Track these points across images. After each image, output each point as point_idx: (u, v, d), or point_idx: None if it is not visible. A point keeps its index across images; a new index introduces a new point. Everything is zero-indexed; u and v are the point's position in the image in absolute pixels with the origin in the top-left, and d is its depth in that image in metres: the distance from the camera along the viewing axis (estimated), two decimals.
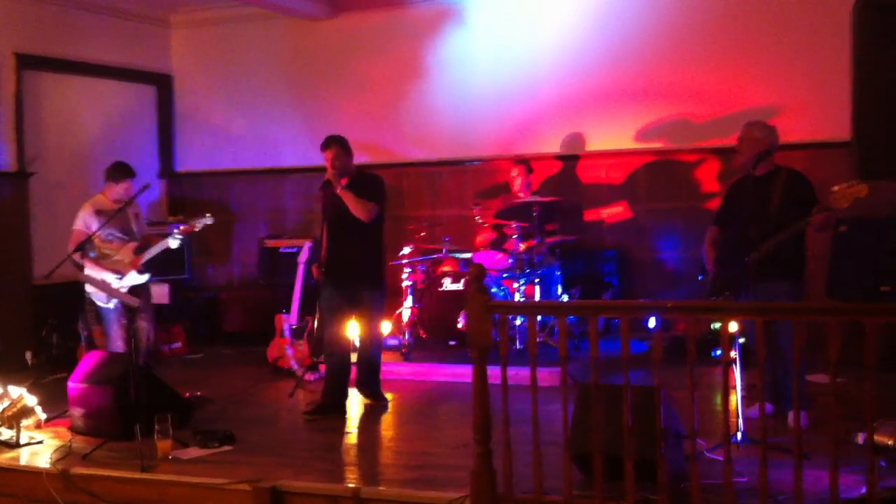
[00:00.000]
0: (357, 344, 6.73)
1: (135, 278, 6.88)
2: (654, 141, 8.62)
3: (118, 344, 6.88)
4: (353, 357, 6.69)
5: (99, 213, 6.90)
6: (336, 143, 6.46)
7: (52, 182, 8.65)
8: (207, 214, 7.15)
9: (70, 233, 6.87)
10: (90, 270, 6.70)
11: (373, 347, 6.59)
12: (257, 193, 10.16)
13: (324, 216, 6.58)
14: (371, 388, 6.66)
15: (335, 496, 4.65)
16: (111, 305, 6.83)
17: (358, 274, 6.42)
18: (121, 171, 6.99)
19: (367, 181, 6.51)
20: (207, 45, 10.27)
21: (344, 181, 6.35)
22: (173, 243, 6.90)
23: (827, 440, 3.69)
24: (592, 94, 8.72)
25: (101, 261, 6.73)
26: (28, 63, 8.63)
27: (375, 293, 6.49)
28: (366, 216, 6.31)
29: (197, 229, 7.09)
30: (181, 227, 6.98)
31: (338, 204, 6.35)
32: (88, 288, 6.91)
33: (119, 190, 6.98)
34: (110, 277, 6.68)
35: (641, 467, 4.01)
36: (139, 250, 6.95)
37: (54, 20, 8.95)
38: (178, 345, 8.82)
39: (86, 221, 6.88)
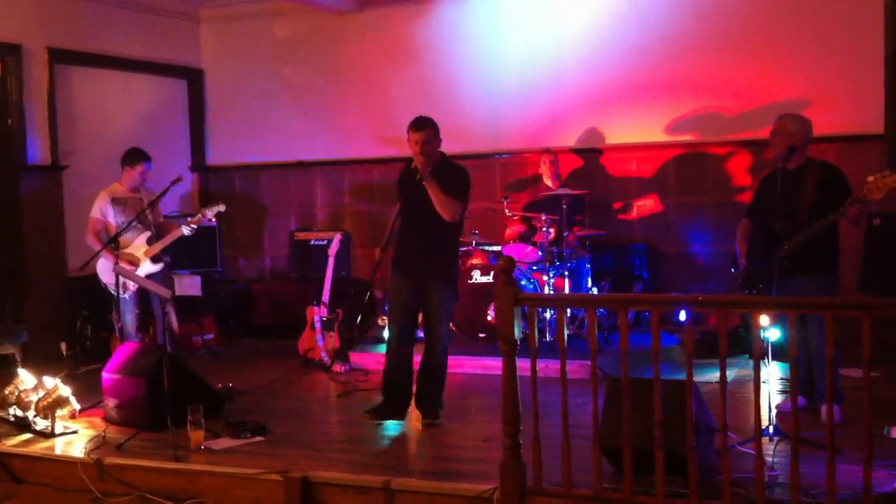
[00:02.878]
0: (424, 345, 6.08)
1: (149, 268, 6.98)
2: (685, 134, 8.56)
3: (133, 334, 6.98)
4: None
5: (115, 201, 7.03)
6: (430, 126, 5.82)
7: (85, 175, 8.73)
8: (220, 202, 7.23)
9: (86, 221, 7.01)
10: (108, 261, 6.80)
11: (437, 351, 5.93)
12: (287, 186, 10.21)
13: (400, 200, 6.04)
14: (429, 404, 5.92)
15: (365, 487, 4.67)
16: (126, 295, 6.92)
17: (428, 266, 5.85)
18: (136, 155, 7.11)
19: (452, 173, 5.87)
20: (237, 40, 10.33)
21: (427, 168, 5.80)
22: (186, 231, 7.00)
23: (859, 435, 3.67)
24: (621, 87, 8.67)
25: (117, 252, 6.82)
26: (60, 57, 8.72)
27: (445, 290, 5.87)
28: (449, 215, 5.73)
29: (209, 217, 7.16)
30: (195, 217, 7.08)
31: (417, 191, 5.77)
32: (102, 278, 7.01)
33: (135, 175, 7.08)
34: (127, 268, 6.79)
35: (671, 461, 4.00)
36: (152, 240, 7.05)
37: (86, 15, 9.03)
38: (211, 336, 8.87)
39: (101, 209, 7.02)
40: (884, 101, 7.60)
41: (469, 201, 5.96)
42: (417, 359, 6.04)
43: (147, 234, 7.08)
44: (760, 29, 8.19)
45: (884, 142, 7.60)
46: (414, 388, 6.03)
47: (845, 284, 6.79)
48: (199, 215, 7.11)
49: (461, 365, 7.42)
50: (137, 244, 7.05)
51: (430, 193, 5.72)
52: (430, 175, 5.72)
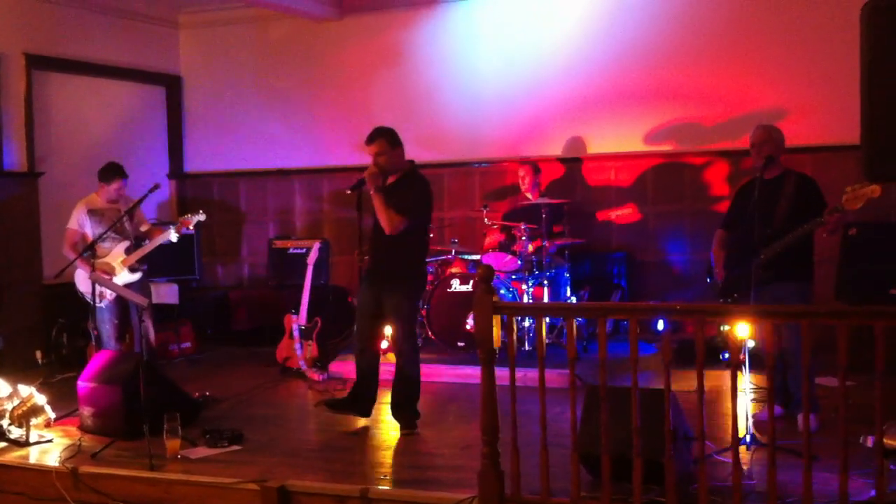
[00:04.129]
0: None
1: (126, 277, 6.95)
2: (663, 143, 8.61)
3: (111, 343, 6.95)
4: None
5: (91, 212, 7.01)
6: (382, 137, 5.80)
7: (62, 182, 8.68)
8: (200, 211, 7.22)
9: (63, 231, 6.97)
10: (84, 271, 6.77)
11: (401, 362, 5.94)
12: (266, 194, 10.18)
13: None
14: (401, 415, 5.92)
15: (343, 496, 4.65)
16: (103, 304, 6.89)
17: (387, 277, 5.88)
18: (112, 172, 7.08)
19: (409, 186, 5.87)
20: (216, 46, 10.30)
21: (392, 178, 5.86)
22: (174, 237, 6.98)
23: (836, 443, 3.69)
24: (600, 96, 8.72)
25: (93, 260, 6.79)
26: (37, 63, 8.66)
27: (402, 301, 5.85)
28: (388, 228, 5.73)
29: (190, 226, 7.14)
30: (177, 225, 7.06)
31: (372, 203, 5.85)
32: (79, 286, 6.98)
33: (111, 191, 7.06)
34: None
35: (649, 469, 4.01)
36: (130, 250, 7.02)
37: (63, 21, 8.98)
38: (188, 344, 8.83)
39: (78, 220, 7.00)
40: (860, 111, 7.64)
41: (427, 214, 5.98)
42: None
43: (125, 243, 7.05)
44: (738, 39, 8.25)
45: (860, 152, 7.64)
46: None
47: (822, 293, 6.84)
48: (180, 223, 7.08)
49: (440, 374, 7.41)
50: (115, 254, 7.02)
51: (375, 205, 5.75)
52: (377, 188, 5.72)
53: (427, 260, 6.11)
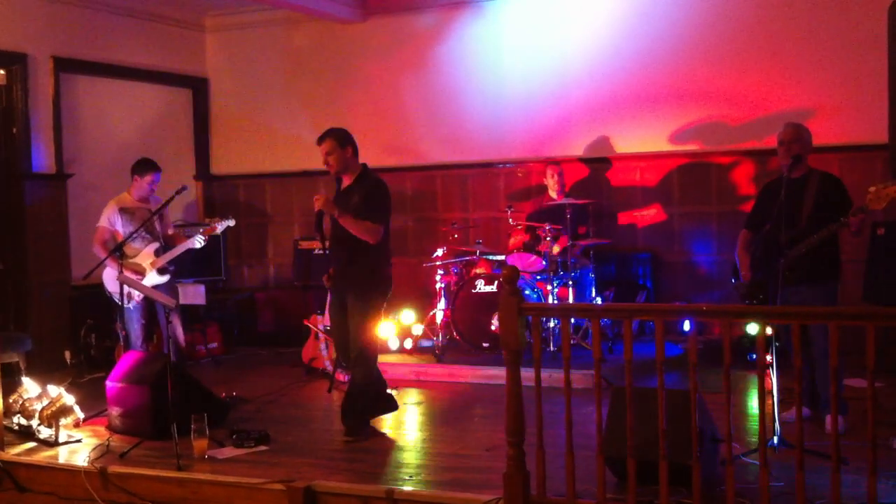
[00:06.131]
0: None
1: (155, 279, 6.98)
2: (688, 143, 8.57)
3: (139, 344, 6.99)
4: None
5: (123, 210, 7.05)
6: (329, 137, 5.86)
7: (90, 184, 8.77)
8: (230, 216, 7.27)
9: (94, 230, 7.03)
10: (113, 270, 6.81)
11: (353, 366, 5.91)
12: (291, 195, 10.22)
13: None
14: (345, 419, 5.86)
15: (368, 496, 4.67)
16: (131, 305, 6.93)
17: (346, 279, 5.86)
18: (146, 165, 7.14)
19: (369, 189, 5.82)
20: (242, 49, 10.36)
21: (347, 181, 5.90)
22: (198, 243, 7.03)
23: (864, 445, 3.66)
24: (624, 96, 8.69)
25: (121, 261, 6.82)
26: (65, 66, 8.75)
27: (356, 302, 5.79)
28: (371, 240, 5.70)
29: (219, 231, 7.20)
30: (204, 229, 7.10)
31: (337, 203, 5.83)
32: (108, 287, 7.03)
33: (144, 184, 7.10)
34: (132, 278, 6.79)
35: (675, 471, 4.00)
36: (160, 251, 7.06)
37: (91, 24, 9.07)
38: (215, 345, 8.90)
39: (109, 218, 7.04)
40: (887, 111, 7.59)
41: (386, 211, 5.86)
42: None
43: (155, 245, 7.09)
44: (764, 39, 8.20)
45: (887, 151, 7.59)
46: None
47: (850, 294, 6.79)
48: (210, 228, 7.13)
49: (464, 374, 7.43)
50: (145, 254, 7.05)
51: (347, 227, 5.71)
52: (340, 213, 5.69)
53: (389, 263, 5.96)
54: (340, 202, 5.83)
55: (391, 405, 6.12)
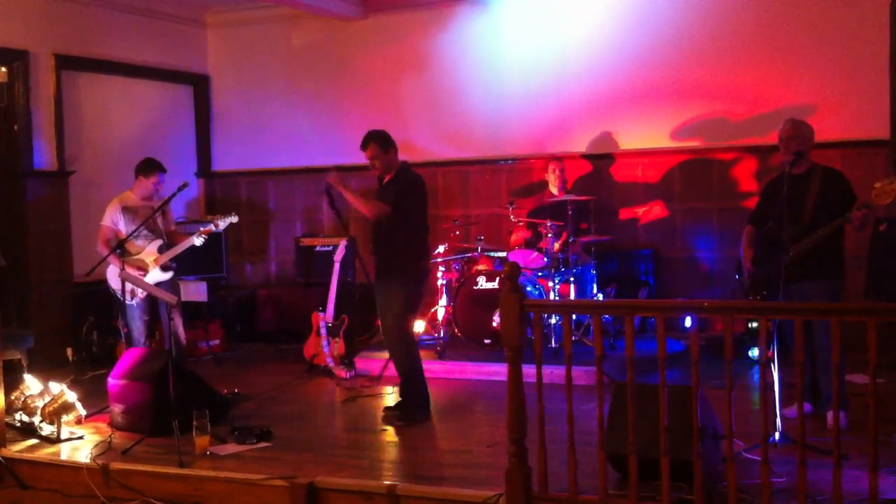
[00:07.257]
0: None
1: (157, 276, 6.98)
2: (690, 140, 8.56)
3: (141, 340, 6.99)
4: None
5: (126, 209, 7.04)
6: (372, 141, 6.14)
7: (91, 181, 8.77)
8: (233, 213, 7.27)
9: (98, 228, 7.03)
10: (116, 267, 6.81)
11: (390, 354, 6.36)
12: (293, 192, 10.22)
13: None
14: (397, 406, 6.20)
15: (370, 493, 4.67)
16: (134, 302, 6.93)
17: (381, 267, 6.18)
18: (152, 166, 7.12)
19: (402, 183, 6.15)
20: (243, 46, 10.35)
21: (387, 177, 6.18)
22: (197, 241, 7.02)
23: (866, 441, 3.66)
24: (626, 92, 8.67)
25: (125, 258, 6.83)
26: (67, 63, 8.74)
27: (389, 291, 6.08)
28: (370, 214, 6.10)
29: (220, 228, 7.20)
30: (206, 226, 7.10)
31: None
32: (111, 283, 7.03)
33: (148, 185, 7.09)
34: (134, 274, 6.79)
35: (678, 467, 4.00)
36: (163, 248, 7.06)
37: (93, 21, 9.06)
38: (217, 342, 8.90)
39: (112, 217, 7.03)
40: (889, 107, 7.59)
41: (413, 205, 6.15)
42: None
43: (158, 242, 7.08)
44: (766, 34, 8.18)
45: (888, 147, 7.59)
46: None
47: (851, 289, 6.78)
48: (211, 225, 7.12)
49: (466, 371, 7.43)
50: (148, 252, 7.04)
51: (351, 202, 6.22)
52: (343, 186, 6.21)
53: (423, 256, 6.26)
54: (380, 196, 6.15)
55: (422, 415, 6.16)
